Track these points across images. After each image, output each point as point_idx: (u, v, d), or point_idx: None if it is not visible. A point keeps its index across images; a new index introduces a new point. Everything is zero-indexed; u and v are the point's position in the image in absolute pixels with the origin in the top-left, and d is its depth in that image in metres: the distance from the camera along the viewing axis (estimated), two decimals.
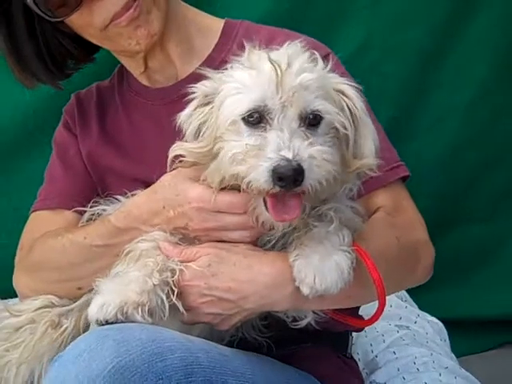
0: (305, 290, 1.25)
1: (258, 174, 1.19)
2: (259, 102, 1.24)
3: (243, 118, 1.26)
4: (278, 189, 1.18)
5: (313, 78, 1.26)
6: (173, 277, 1.31)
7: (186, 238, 1.40)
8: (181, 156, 1.36)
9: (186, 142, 1.35)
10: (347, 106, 1.32)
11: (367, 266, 1.32)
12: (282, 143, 1.19)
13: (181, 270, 1.32)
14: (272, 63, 1.25)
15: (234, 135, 1.27)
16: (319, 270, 1.24)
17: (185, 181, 1.38)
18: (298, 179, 1.17)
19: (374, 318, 1.43)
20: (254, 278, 1.31)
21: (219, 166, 1.29)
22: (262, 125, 1.24)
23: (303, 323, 1.40)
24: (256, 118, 1.25)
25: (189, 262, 1.34)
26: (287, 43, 1.34)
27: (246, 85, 1.28)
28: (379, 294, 1.34)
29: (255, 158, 1.20)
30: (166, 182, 1.42)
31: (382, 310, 1.38)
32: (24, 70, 1.66)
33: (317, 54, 1.34)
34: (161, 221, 1.40)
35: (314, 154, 1.20)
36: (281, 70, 1.23)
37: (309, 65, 1.29)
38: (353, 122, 1.32)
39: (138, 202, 1.46)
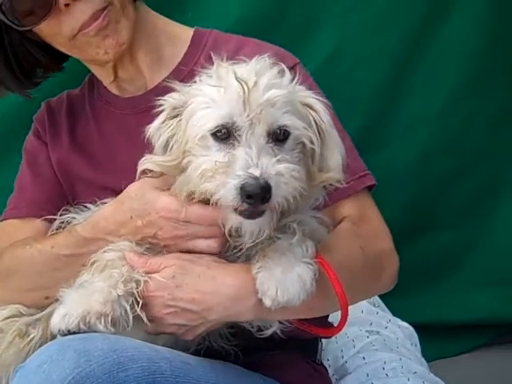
0: (267, 302, 1.27)
1: (227, 192, 1.21)
2: (227, 118, 1.26)
3: (212, 134, 1.27)
4: (245, 206, 1.20)
5: (280, 94, 1.27)
6: (137, 288, 1.32)
7: (153, 248, 1.41)
8: (149, 170, 1.37)
9: (155, 155, 1.36)
10: (314, 120, 1.34)
11: (330, 277, 1.33)
12: (250, 160, 1.21)
13: (145, 281, 1.33)
14: (238, 81, 1.26)
15: (203, 150, 1.29)
16: (281, 282, 1.26)
17: (152, 190, 1.39)
18: (265, 197, 1.19)
19: (338, 328, 1.45)
20: (217, 290, 1.33)
21: (187, 180, 1.30)
22: (231, 141, 1.26)
23: (268, 333, 1.42)
24: (224, 134, 1.26)
25: (153, 272, 1.35)
26: (255, 58, 1.35)
27: (214, 100, 1.29)
28: (341, 306, 1.36)
29: (224, 175, 1.22)
30: (133, 193, 1.42)
31: (345, 320, 1.40)
32: None
33: (284, 67, 1.36)
34: (128, 231, 1.41)
35: (281, 171, 1.22)
36: (247, 87, 1.25)
37: (276, 81, 1.30)
38: (319, 135, 1.34)
39: (104, 213, 1.47)
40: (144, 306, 1.32)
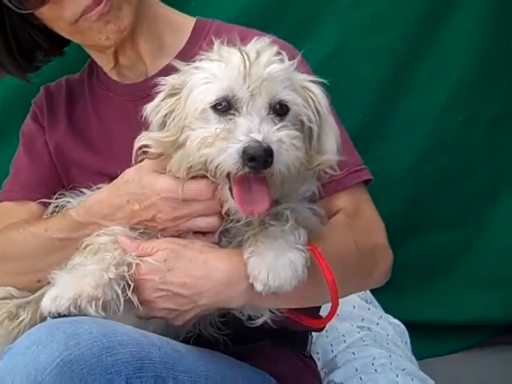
0: (258, 287, 1.27)
1: (228, 156, 1.21)
2: (227, 90, 1.27)
3: (212, 107, 1.28)
4: (247, 170, 1.20)
5: (281, 69, 1.29)
6: (129, 271, 1.32)
7: (147, 232, 1.42)
8: (146, 147, 1.37)
9: (152, 131, 1.37)
10: (312, 101, 1.35)
11: (321, 266, 1.34)
12: (252, 127, 1.22)
13: (137, 264, 1.33)
14: (241, 53, 1.28)
15: (203, 123, 1.29)
16: (273, 266, 1.26)
17: (150, 173, 1.40)
18: (267, 160, 1.19)
19: (327, 318, 1.45)
20: (209, 274, 1.33)
21: (186, 154, 1.31)
22: (231, 112, 1.27)
23: (259, 322, 1.42)
24: (224, 106, 1.28)
25: (146, 256, 1.35)
26: (255, 38, 1.36)
27: (214, 75, 1.30)
28: (332, 295, 1.36)
29: (225, 140, 1.23)
30: (130, 177, 1.42)
31: (335, 310, 1.40)
32: None
33: (283, 53, 1.36)
34: (124, 215, 1.41)
35: (282, 138, 1.23)
36: (249, 61, 1.26)
37: (276, 57, 1.32)
38: (318, 116, 1.35)
39: (99, 197, 1.47)
40: (135, 290, 1.33)
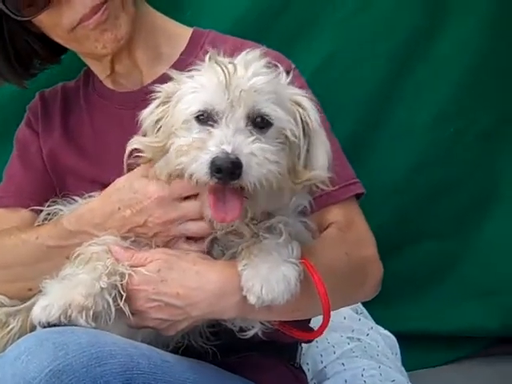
0: (251, 299, 1.27)
1: (199, 166, 1.23)
2: (207, 103, 1.28)
3: (195, 117, 1.30)
4: (215, 180, 1.21)
5: (265, 82, 1.29)
6: (121, 281, 1.32)
7: (138, 241, 1.42)
8: (138, 151, 1.39)
9: (143, 137, 1.39)
10: (301, 116, 1.35)
11: (314, 279, 1.34)
12: (224, 138, 1.22)
13: (130, 274, 1.33)
14: (219, 65, 1.29)
15: (186, 132, 1.31)
16: (267, 280, 1.26)
17: (140, 179, 1.41)
18: (234, 172, 1.20)
19: (318, 331, 1.45)
20: (202, 286, 1.33)
21: (168, 161, 1.33)
22: (211, 123, 1.28)
23: (250, 333, 1.42)
24: (205, 117, 1.29)
25: (139, 266, 1.35)
26: (246, 50, 1.37)
27: (201, 85, 1.32)
28: (324, 308, 1.36)
29: (198, 150, 1.24)
30: (121, 185, 1.44)
31: (327, 324, 1.40)
32: None
33: (279, 66, 1.38)
34: (115, 223, 1.42)
35: (254, 151, 1.22)
36: (229, 73, 1.27)
37: (263, 70, 1.32)
38: (305, 132, 1.35)
39: (91, 206, 1.48)
40: (127, 299, 1.33)
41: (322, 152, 1.36)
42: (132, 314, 1.34)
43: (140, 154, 1.38)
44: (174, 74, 1.39)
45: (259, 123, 1.28)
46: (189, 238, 1.41)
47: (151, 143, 1.36)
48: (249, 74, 1.29)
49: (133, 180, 1.42)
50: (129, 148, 1.38)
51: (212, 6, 2.25)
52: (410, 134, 2.46)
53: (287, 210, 1.39)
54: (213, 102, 1.28)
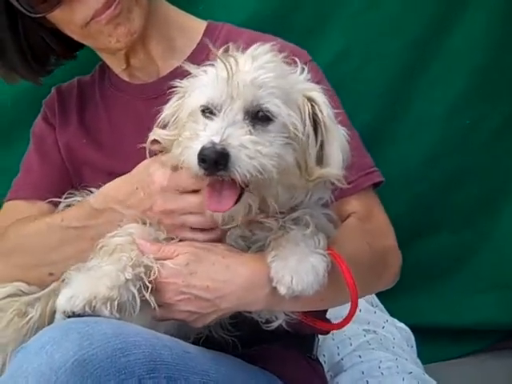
0: (282, 290, 1.28)
1: (190, 156, 1.25)
2: (210, 96, 1.30)
3: (201, 110, 1.31)
4: (202, 171, 1.22)
5: (268, 77, 1.29)
6: (146, 272, 1.32)
7: (160, 229, 1.42)
8: (157, 141, 1.41)
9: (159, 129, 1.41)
10: (313, 112, 1.34)
11: (342, 270, 1.35)
12: (216, 129, 1.23)
13: (159, 267, 1.33)
14: (223, 61, 1.29)
15: (193, 124, 1.32)
16: (296, 271, 1.27)
17: (156, 164, 1.43)
18: (219, 163, 1.20)
19: (345, 321, 1.46)
20: (231, 279, 1.34)
21: (174, 152, 1.35)
22: (212, 116, 1.29)
23: (274, 325, 1.43)
24: (209, 111, 1.30)
25: (166, 259, 1.35)
26: (256, 45, 1.37)
27: (206, 80, 1.33)
28: (352, 299, 1.37)
29: (191, 141, 1.26)
30: (142, 166, 1.46)
31: (353, 314, 1.42)
32: (5, 64, 1.67)
33: (298, 62, 1.38)
34: (134, 202, 1.44)
35: (245, 143, 1.22)
36: (231, 67, 1.28)
37: (268, 65, 1.31)
38: (317, 129, 1.34)
39: (115, 184, 1.50)
40: (155, 292, 1.33)
41: (336, 149, 1.34)
42: (160, 306, 1.34)
43: (162, 146, 1.41)
44: (190, 67, 1.40)
45: (261, 117, 1.28)
46: (194, 228, 1.42)
47: (167, 136, 1.38)
48: (252, 68, 1.29)
49: (151, 164, 1.44)
50: (149, 139, 1.40)
51: (224, 1, 2.24)
52: (425, 126, 2.44)
53: (310, 202, 1.39)
54: (214, 96, 1.29)
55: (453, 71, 2.41)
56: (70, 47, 1.74)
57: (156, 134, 1.40)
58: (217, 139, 1.21)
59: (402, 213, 2.33)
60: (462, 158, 2.50)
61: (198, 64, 1.57)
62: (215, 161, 1.19)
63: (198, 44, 1.72)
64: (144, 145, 1.41)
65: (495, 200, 2.57)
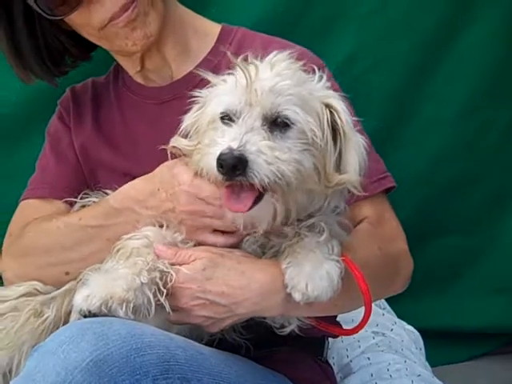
0: (297, 296, 1.30)
1: (209, 162, 1.27)
2: (229, 103, 1.31)
3: (220, 118, 1.33)
4: (221, 176, 1.24)
5: (286, 84, 1.30)
6: (161, 277, 1.34)
7: (179, 230, 1.43)
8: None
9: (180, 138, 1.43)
10: (332, 119, 1.35)
11: (356, 276, 1.36)
12: (234, 135, 1.25)
13: (175, 271, 1.35)
14: (242, 69, 1.31)
15: (212, 132, 1.34)
16: (311, 277, 1.29)
17: (181, 165, 1.43)
18: (237, 168, 1.22)
19: (359, 327, 1.48)
20: (247, 284, 1.35)
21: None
22: (231, 123, 1.31)
23: (287, 330, 1.45)
24: (228, 118, 1.32)
25: (183, 264, 1.37)
26: (274, 52, 1.38)
27: (225, 88, 1.35)
28: (366, 305, 1.39)
29: (211, 147, 1.28)
30: (166, 167, 1.47)
31: (367, 319, 1.43)
32: (21, 64, 1.68)
33: (314, 67, 1.39)
34: (154, 203, 1.45)
35: (262, 148, 1.24)
36: (250, 75, 1.29)
37: (286, 71, 1.33)
38: (336, 135, 1.35)
39: (136, 183, 1.51)
40: (171, 296, 1.34)
41: (354, 155, 1.35)
42: (175, 310, 1.36)
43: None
44: (208, 76, 1.42)
45: (280, 124, 1.29)
46: (216, 231, 1.43)
47: (187, 146, 1.40)
48: (271, 76, 1.30)
49: (176, 165, 1.44)
50: (171, 144, 1.42)
51: (236, 3, 2.25)
52: (434, 128, 2.44)
53: (326, 210, 1.40)
54: (233, 103, 1.31)
55: (461, 75, 2.41)
56: (86, 48, 1.76)
57: (177, 142, 1.42)
58: (235, 145, 1.22)
59: (409, 216, 2.31)
60: (469, 162, 2.50)
61: (213, 67, 1.60)
62: (233, 166, 1.21)
63: (213, 48, 1.73)
64: (164, 146, 1.42)
65: (502, 204, 2.58)
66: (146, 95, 1.75)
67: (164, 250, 1.38)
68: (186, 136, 1.42)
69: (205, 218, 1.40)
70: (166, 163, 1.47)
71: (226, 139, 1.26)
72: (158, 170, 1.48)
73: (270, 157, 1.23)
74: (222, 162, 1.22)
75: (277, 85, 1.29)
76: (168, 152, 1.43)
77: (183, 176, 1.41)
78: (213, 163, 1.25)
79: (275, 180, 1.24)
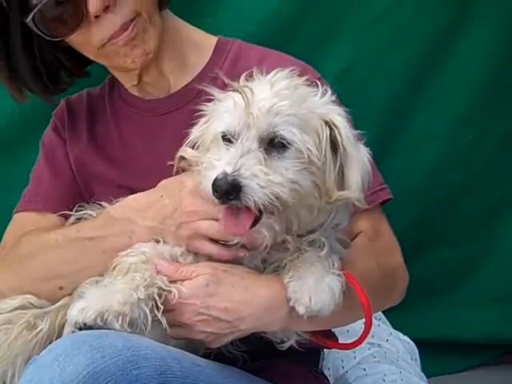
0: (300, 310, 1.31)
1: (206, 185, 1.29)
2: (229, 123, 1.33)
3: (222, 136, 1.35)
4: (216, 200, 1.26)
5: (284, 105, 1.31)
6: (159, 293, 1.34)
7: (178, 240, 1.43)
8: (183, 158, 1.45)
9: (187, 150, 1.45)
10: (332, 136, 1.34)
11: (356, 290, 1.37)
12: (229, 159, 1.27)
13: (177, 288, 1.35)
14: (239, 91, 1.32)
15: (215, 149, 1.36)
16: (314, 290, 1.30)
17: (188, 175, 1.45)
18: (230, 193, 1.24)
19: (359, 340, 1.48)
20: (250, 300, 1.36)
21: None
22: (230, 143, 1.33)
23: (287, 345, 1.46)
24: (228, 137, 1.33)
25: (185, 280, 1.37)
26: (276, 70, 1.39)
27: (227, 107, 1.36)
28: (366, 318, 1.40)
29: (209, 169, 1.30)
30: (172, 178, 1.48)
31: (368, 333, 1.44)
32: (17, 83, 1.67)
33: (315, 80, 1.42)
34: (154, 212, 1.45)
35: (256, 173, 1.25)
36: (247, 96, 1.31)
37: (285, 91, 1.33)
38: (336, 152, 1.35)
39: (140, 195, 1.51)
40: (174, 312, 1.35)
41: (355, 171, 1.35)
42: (178, 326, 1.37)
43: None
44: (214, 91, 1.42)
45: (277, 144, 1.30)
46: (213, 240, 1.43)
47: (192, 157, 1.42)
48: (269, 96, 1.31)
49: (182, 175, 1.46)
50: (178, 154, 1.44)
51: (232, 14, 2.26)
52: (428, 140, 2.46)
53: (327, 226, 1.41)
54: (232, 124, 1.32)
55: (457, 87, 2.43)
56: (81, 63, 1.75)
57: (185, 152, 1.43)
58: (229, 169, 1.24)
59: (404, 227, 2.32)
60: (464, 173, 2.51)
61: (210, 81, 1.60)
62: (227, 191, 1.23)
63: (209, 61, 1.73)
64: (170, 162, 1.45)
65: (498, 214, 2.59)
66: (143, 108, 1.74)
67: (166, 266, 1.38)
68: (193, 147, 1.44)
69: (203, 222, 1.40)
70: (173, 177, 1.47)
71: (221, 163, 1.28)
72: (163, 181, 1.49)
73: (263, 180, 1.25)
74: (216, 187, 1.24)
75: (274, 106, 1.30)
76: (175, 161, 1.44)
77: (189, 181, 1.42)
78: (209, 187, 1.27)
79: (270, 202, 1.25)
